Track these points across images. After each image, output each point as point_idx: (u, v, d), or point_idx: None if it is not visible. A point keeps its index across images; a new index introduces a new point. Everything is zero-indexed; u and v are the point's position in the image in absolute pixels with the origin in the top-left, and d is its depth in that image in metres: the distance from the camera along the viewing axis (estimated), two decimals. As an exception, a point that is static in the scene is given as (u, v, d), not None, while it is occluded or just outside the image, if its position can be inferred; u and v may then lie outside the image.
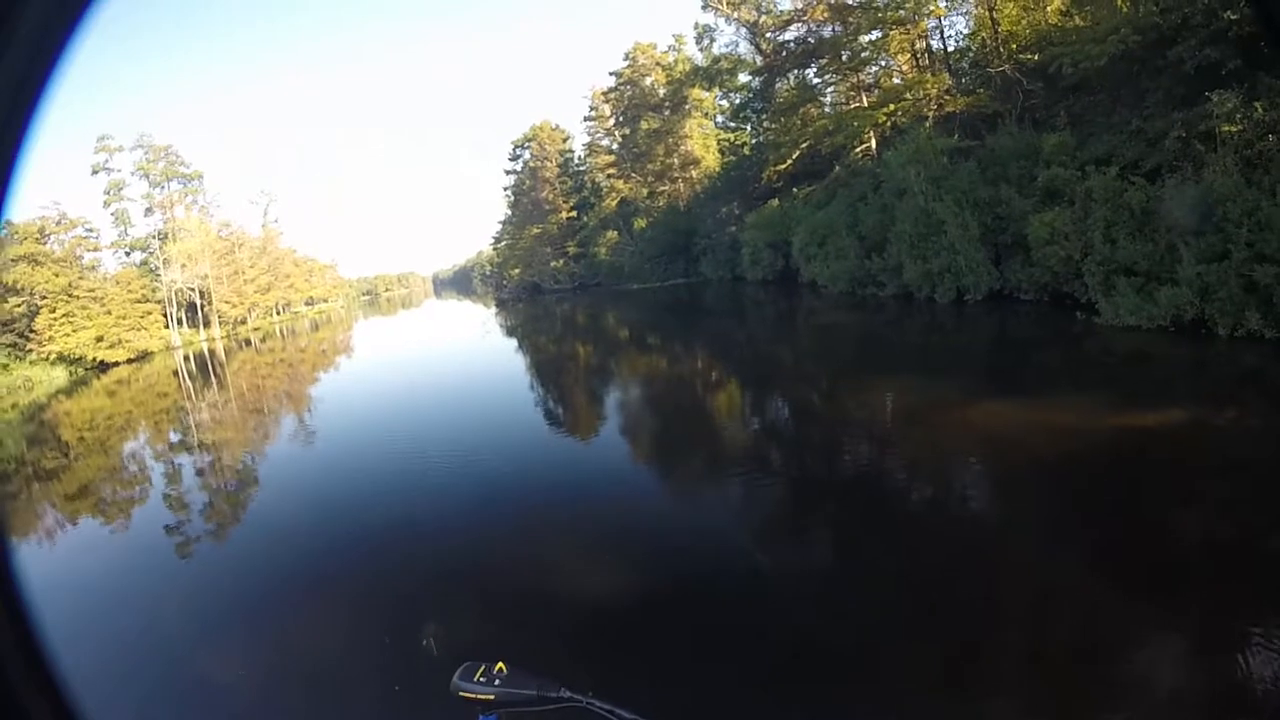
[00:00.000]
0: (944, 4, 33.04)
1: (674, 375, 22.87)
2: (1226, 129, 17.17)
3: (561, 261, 74.89)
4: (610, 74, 66.97)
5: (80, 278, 58.84)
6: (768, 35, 48.14)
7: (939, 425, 12.00)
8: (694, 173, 60.74)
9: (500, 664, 1.94)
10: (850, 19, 36.67)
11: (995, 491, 9.46)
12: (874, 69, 39.33)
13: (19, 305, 54.65)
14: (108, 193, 69.14)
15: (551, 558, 8.85)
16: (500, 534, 9.88)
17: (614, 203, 68.98)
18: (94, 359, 54.96)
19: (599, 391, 21.95)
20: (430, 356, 36.84)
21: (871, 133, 36.09)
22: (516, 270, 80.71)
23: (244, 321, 78.04)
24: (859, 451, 12.34)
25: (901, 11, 33.80)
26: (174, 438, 24.52)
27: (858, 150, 37.22)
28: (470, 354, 35.72)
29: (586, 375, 25.22)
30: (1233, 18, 18.07)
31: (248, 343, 65.03)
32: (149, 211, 71.67)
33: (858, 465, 11.62)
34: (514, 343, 41.90)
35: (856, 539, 8.56)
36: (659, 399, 19.42)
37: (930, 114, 31.60)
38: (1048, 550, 7.50)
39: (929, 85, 32.80)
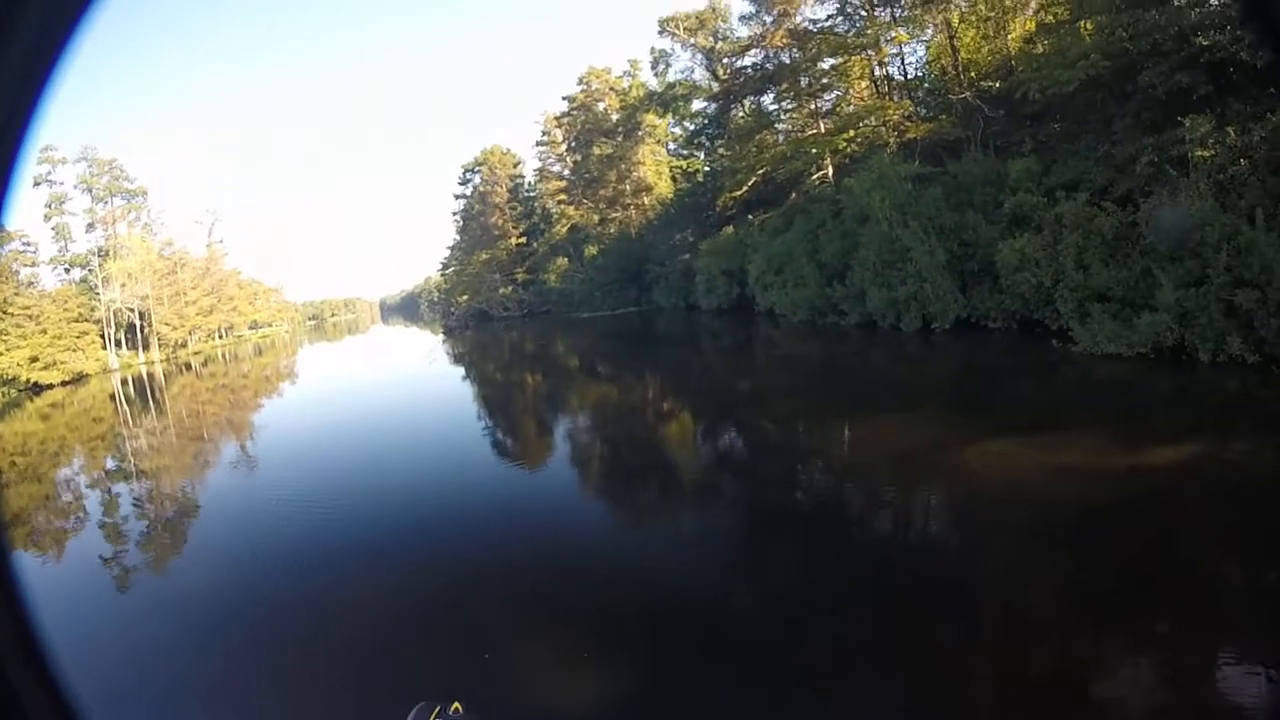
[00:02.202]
0: (904, 31, 32.77)
1: (627, 417, 20.78)
2: (1199, 154, 16.84)
3: (510, 288, 73.71)
4: (563, 98, 66.56)
5: (16, 294, 56.37)
6: (724, 61, 47.97)
7: (933, 469, 10.88)
8: (646, 199, 60.17)
9: (456, 704, 1.82)
10: (809, 45, 36.40)
11: (1012, 546, 8.26)
12: (832, 95, 39.05)
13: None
14: (49, 206, 66.36)
15: (498, 594, 8.42)
16: (444, 568, 9.62)
17: (564, 229, 68.17)
18: (27, 380, 52.29)
19: (544, 434, 20.19)
20: (375, 386, 35.45)
21: (829, 159, 35.70)
22: (464, 297, 79.11)
23: (184, 345, 75.31)
24: (852, 503, 10.95)
25: (863, 38, 33.54)
26: (108, 466, 23.34)
27: (815, 177, 36.83)
28: (415, 384, 34.54)
29: (533, 414, 23.78)
30: (1204, 43, 17.88)
31: (188, 367, 62.65)
32: (91, 227, 69.08)
33: (853, 519, 10.27)
34: (460, 371, 40.69)
35: (854, 599, 7.50)
36: (611, 445, 17.62)
37: (891, 140, 31.25)
38: (1068, 604, 6.67)
39: (890, 110, 32.55)
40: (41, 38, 1.02)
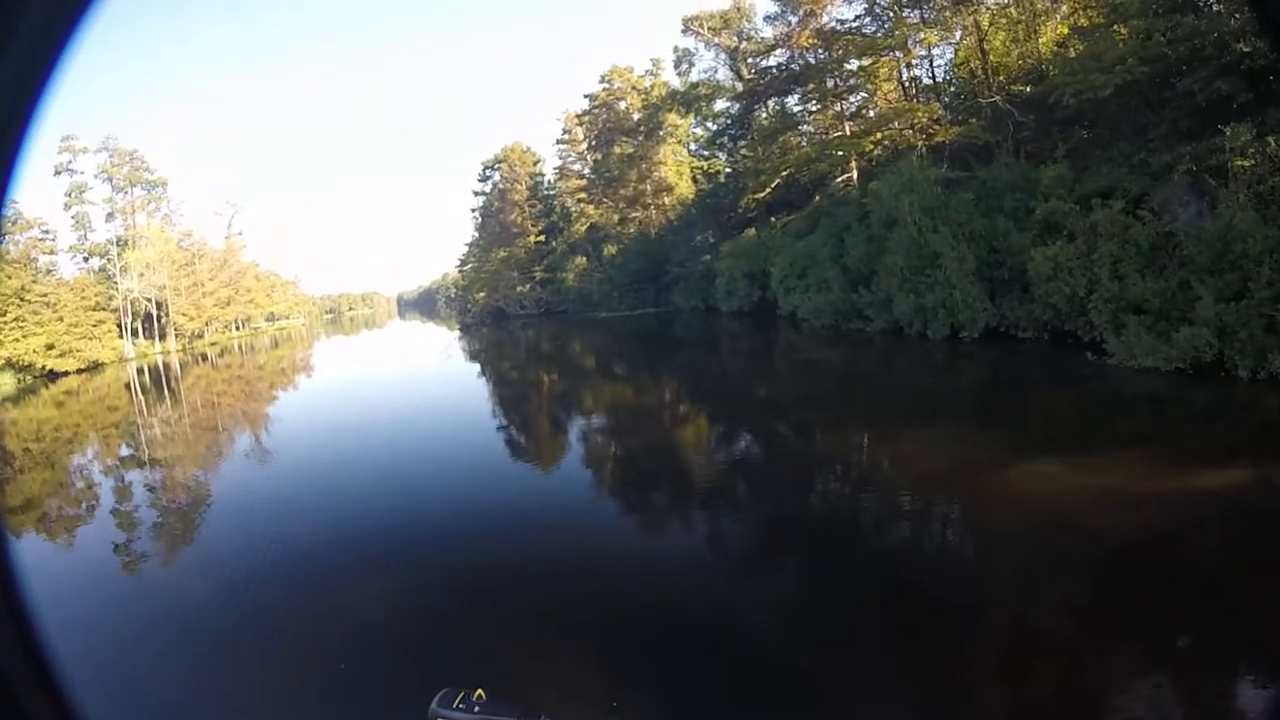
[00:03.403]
0: (934, 33, 32.38)
1: (643, 425, 19.76)
2: (1239, 163, 16.45)
3: (528, 286, 73.43)
4: (585, 96, 66.28)
5: (34, 281, 56.28)
6: (749, 61, 47.71)
7: (973, 492, 10.33)
8: (667, 200, 59.84)
9: (479, 690, 1.85)
10: (836, 46, 36.05)
11: (1067, 580, 7.59)
12: (859, 97, 38.74)
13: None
14: (69, 195, 66.53)
15: (515, 590, 8.45)
16: (456, 563, 9.81)
17: (583, 228, 67.91)
18: (43, 367, 52.27)
19: (557, 440, 19.31)
20: (390, 381, 35.23)
21: (855, 162, 35.35)
22: (481, 294, 78.86)
23: (201, 335, 75.52)
24: (887, 529, 10.13)
25: (891, 39, 33.17)
26: (120, 454, 23.53)
27: (840, 179, 36.51)
28: (429, 381, 34.29)
29: (548, 417, 23.17)
30: (1245, 50, 17.50)
31: (204, 357, 63.07)
32: (110, 217, 69.17)
33: (888, 546, 9.46)
34: (476, 369, 40.59)
35: (893, 633, 7.06)
36: (625, 454, 16.87)
37: (920, 144, 30.86)
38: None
39: (919, 113, 32.17)
40: (43, 33, 1.00)
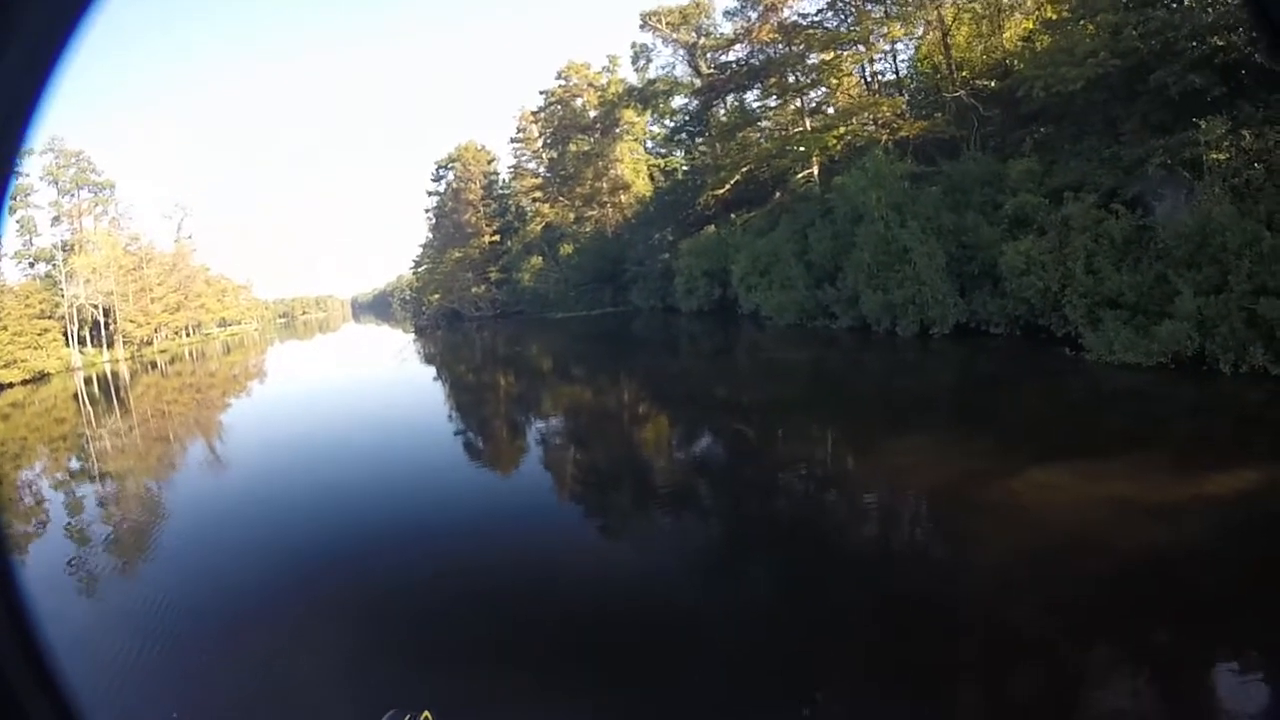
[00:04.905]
0: (899, 26, 32.14)
1: (601, 434, 18.81)
2: (1214, 157, 16.24)
3: (483, 287, 72.44)
4: (540, 93, 65.44)
5: (-24, 288, 54.40)
6: (708, 57, 47.30)
7: (979, 506, 9.34)
8: (624, 198, 59.22)
9: (426, 713, 1.95)
10: (798, 40, 35.66)
11: (1112, 612, 6.68)
12: (820, 92, 38.41)
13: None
14: (13, 198, 63.81)
15: (472, 604, 8.24)
16: (417, 576, 9.51)
17: (539, 227, 67.18)
18: (-14, 379, 50.26)
19: (515, 447, 18.54)
20: (344, 388, 34.48)
21: (816, 157, 34.96)
22: (436, 296, 77.72)
23: (150, 342, 73.51)
24: (897, 554, 9.13)
25: (854, 33, 32.90)
26: (70, 468, 23.13)
27: (801, 175, 36.13)
28: (383, 385, 33.70)
29: (505, 423, 22.55)
30: (1219, 44, 17.37)
31: (153, 365, 61.42)
32: (56, 220, 67.16)
33: (902, 575, 8.23)
34: (430, 371, 40.19)
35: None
36: (581, 469, 15.61)
37: (884, 138, 30.54)
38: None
39: (883, 107, 31.90)
40: (41, 37, 1.02)
